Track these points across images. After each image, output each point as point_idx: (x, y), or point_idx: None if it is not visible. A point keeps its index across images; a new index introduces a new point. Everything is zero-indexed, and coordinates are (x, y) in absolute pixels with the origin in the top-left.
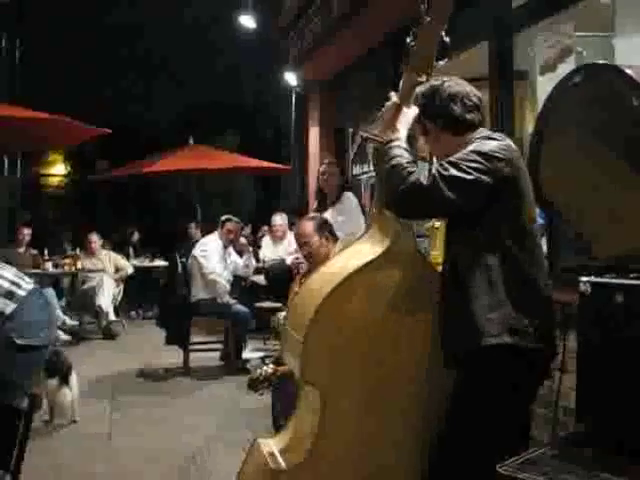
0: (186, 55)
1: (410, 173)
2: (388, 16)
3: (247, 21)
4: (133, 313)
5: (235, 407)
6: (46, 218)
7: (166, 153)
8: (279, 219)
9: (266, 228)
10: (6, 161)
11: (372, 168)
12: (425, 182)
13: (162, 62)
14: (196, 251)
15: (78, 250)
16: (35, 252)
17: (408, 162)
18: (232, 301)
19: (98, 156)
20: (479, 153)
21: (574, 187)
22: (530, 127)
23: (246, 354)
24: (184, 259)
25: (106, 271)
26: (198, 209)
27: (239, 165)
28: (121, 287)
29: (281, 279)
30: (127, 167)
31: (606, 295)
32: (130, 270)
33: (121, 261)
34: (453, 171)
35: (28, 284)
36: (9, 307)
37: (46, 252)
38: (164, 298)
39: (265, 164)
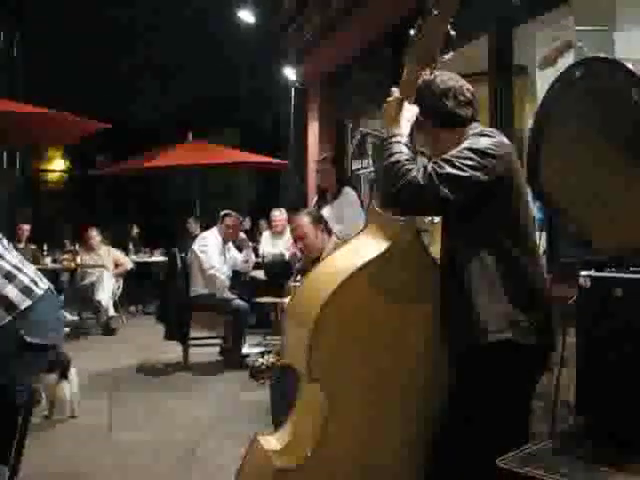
0: (185, 50)
1: (408, 170)
2: (388, 10)
3: (247, 16)
4: (132, 308)
5: (234, 402)
6: (46, 214)
7: (165, 148)
8: (278, 213)
9: (265, 223)
10: (5, 157)
11: (372, 163)
12: (421, 180)
13: (161, 57)
14: (195, 246)
15: (77, 245)
16: (34, 247)
17: (407, 159)
18: (231, 296)
19: (97, 152)
20: (473, 150)
21: (574, 181)
22: (529, 122)
23: (245, 349)
24: (183, 254)
25: (106, 266)
26: (197, 204)
27: (237, 160)
28: (120, 282)
29: (280, 274)
30: (127, 163)
31: (605, 289)
32: (130, 265)
33: (121, 256)
34: (448, 169)
35: (44, 284)
36: (25, 303)
37: (45, 247)
38: (163, 293)
39: (263, 159)
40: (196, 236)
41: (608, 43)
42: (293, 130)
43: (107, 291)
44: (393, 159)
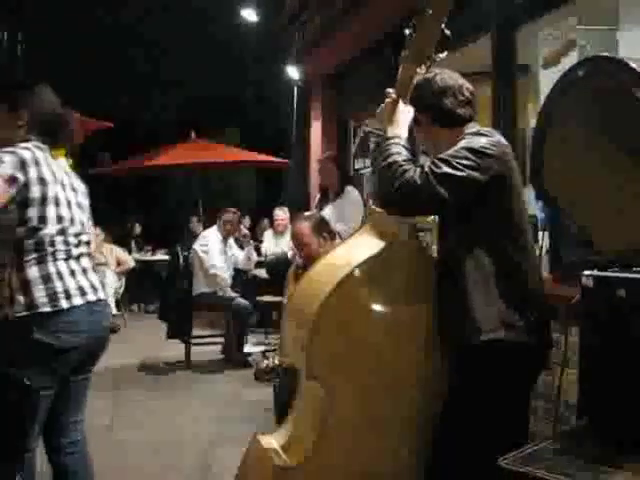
0: (188, 49)
1: (405, 170)
2: (390, 9)
3: (249, 15)
4: (134, 307)
5: (236, 400)
6: None
7: (167, 147)
8: (281, 212)
9: (267, 222)
10: None
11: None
12: (418, 179)
13: (164, 56)
14: (196, 245)
15: None
16: None
17: (404, 160)
18: (233, 295)
19: (99, 150)
20: (470, 149)
21: (577, 181)
22: (533, 121)
23: (247, 348)
24: (185, 253)
25: (108, 265)
26: (200, 202)
27: (239, 159)
28: (123, 281)
29: (283, 273)
30: (128, 161)
31: (608, 289)
32: (132, 264)
33: (123, 255)
34: (445, 168)
35: (99, 294)
36: (75, 300)
37: None
38: (165, 292)
39: (264, 158)
40: (198, 234)
41: (612, 42)
42: (295, 129)
43: (109, 289)
44: (390, 160)
